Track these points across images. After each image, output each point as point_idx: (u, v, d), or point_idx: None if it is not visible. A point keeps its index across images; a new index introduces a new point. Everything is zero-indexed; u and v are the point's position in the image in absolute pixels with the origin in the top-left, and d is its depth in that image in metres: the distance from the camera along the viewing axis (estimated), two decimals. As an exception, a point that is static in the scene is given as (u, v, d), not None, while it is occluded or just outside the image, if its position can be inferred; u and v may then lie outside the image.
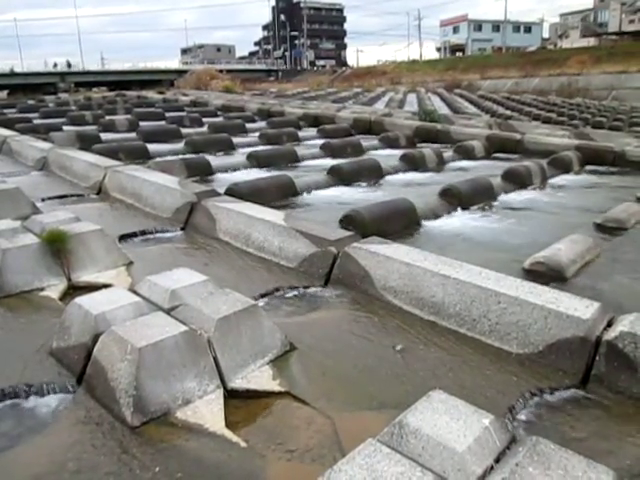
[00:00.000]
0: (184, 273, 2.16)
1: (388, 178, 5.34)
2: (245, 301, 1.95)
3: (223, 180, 4.97)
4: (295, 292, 2.48)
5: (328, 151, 6.56)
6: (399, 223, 3.50)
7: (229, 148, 6.94)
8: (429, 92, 27.24)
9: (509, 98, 21.80)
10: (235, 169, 5.52)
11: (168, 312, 1.91)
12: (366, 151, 7.02)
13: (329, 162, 5.84)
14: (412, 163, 5.82)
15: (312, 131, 8.74)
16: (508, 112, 15.86)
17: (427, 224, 3.68)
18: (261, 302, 2.34)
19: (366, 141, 7.73)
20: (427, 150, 6.23)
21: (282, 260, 2.79)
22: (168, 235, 3.27)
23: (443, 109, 17.17)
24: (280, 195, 4.31)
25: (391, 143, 7.48)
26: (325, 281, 2.58)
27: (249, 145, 7.11)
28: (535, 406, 1.71)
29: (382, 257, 2.44)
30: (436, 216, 3.83)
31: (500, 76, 35.02)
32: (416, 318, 2.23)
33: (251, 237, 3.00)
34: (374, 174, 5.26)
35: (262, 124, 9.44)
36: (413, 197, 3.88)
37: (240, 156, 6.21)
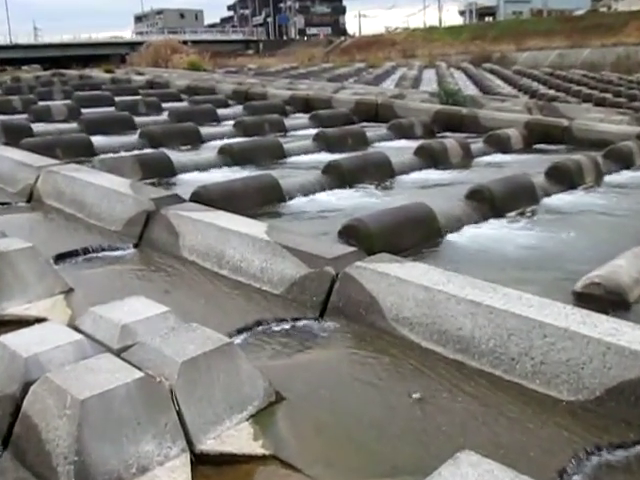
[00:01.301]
0: (139, 303, 2.16)
1: (400, 178, 5.40)
2: (217, 339, 1.95)
3: (188, 182, 5.01)
4: (282, 326, 2.48)
5: (323, 143, 6.64)
6: (415, 235, 3.53)
7: (196, 141, 7.01)
8: (451, 67, 27.62)
9: (552, 74, 22.13)
10: (204, 168, 5.58)
11: (118, 353, 1.90)
12: (371, 143, 7.10)
13: (324, 158, 5.90)
14: (431, 158, 5.89)
15: (302, 118, 8.83)
16: (552, 92, 16.10)
17: (451, 236, 3.72)
18: (238, 340, 2.34)
19: (371, 130, 7.81)
20: (450, 141, 6.31)
21: (265, 285, 2.80)
22: (118, 254, 3.28)
23: (469, 89, 17.39)
24: (261, 201, 4.34)
25: (404, 132, 7.57)
26: (320, 311, 2.59)
27: (221, 137, 7.18)
28: (592, 468, 1.71)
29: (394, 279, 2.45)
30: (462, 226, 3.87)
31: (541, 47, 35.58)
32: (438, 357, 2.24)
33: (225, 256, 3.01)
34: (382, 173, 5.31)
35: (238, 110, 9.52)
36: (432, 202, 3.92)
37: (210, 151, 6.26)
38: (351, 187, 4.91)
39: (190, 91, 11.68)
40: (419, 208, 3.73)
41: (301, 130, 8.01)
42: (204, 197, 3.98)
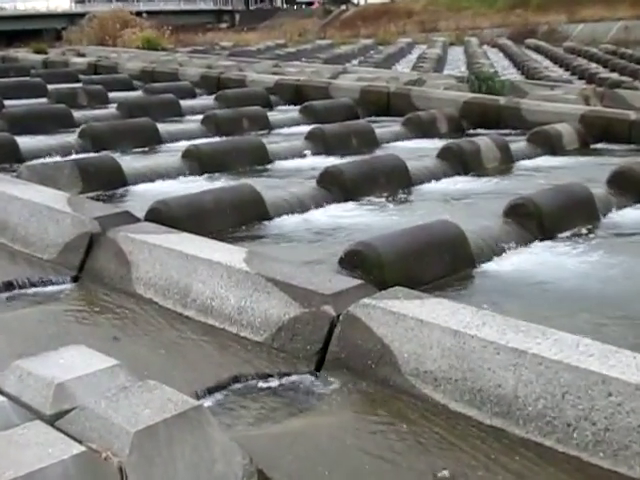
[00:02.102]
0: (79, 355, 2.16)
1: (419, 188, 5.45)
2: (182, 401, 1.95)
3: (144, 195, 5.05)
4: (267, 383, 2.48)
5: (319, 144, 6.71)
6: (439, 264, 3.55)
7: (153, 142, 7.08)
8: (485, 44, 27.95)
9: (615, 53, 22.40)
10: (163, 177, 5.63)
11: (52, 421, 1.90)
12: (382, 143, 7.17)
13: (320, 162, 5.94)
14: (459, 162, 5.95)
15: (292, 111, 8.90)
16: (614, 76, 16.25)
17: (486, 265, 3.74)
18: (209, 402, 2.34)
19: (382, 126, 7.87)
20: (483, 140, 6.38)
21: (244, 330, 2.80)
22: (52, 290, 3.28)
23: (508, 72, 17.61)
24: (239, 220, 4.36)
25: (423, 129, 7.64)
26: (317, 364, 2.59)
27: (186, 136, 7.23)
28: None
29: (412, 321, 2.46)
30: (501, 251, 3.90)
31: (600, 17, 36.03)
32: (471, 423, 2.24)
33: (191, 292, 3.01)
34: (396, 182, 5.36)
35: (208, 101, 9.61)
36: (462, 220, 3.94)
37: (172, 155, 6.30)
38: (355, 201, 4.96)
39: (145, 77, 11.79)
40: (444, 228, 3.75)
41: (290, 127, 8.07)
42: (164, 215, 4.00)
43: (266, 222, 4.45)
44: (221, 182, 5.42)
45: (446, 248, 3.63)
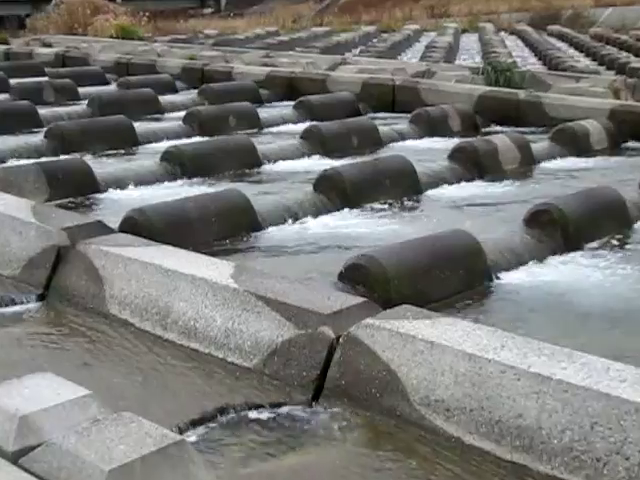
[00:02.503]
0: (45, 383, 2.16)
1: (429, 194, 5.46)
2: (161, 436, 1.95)
3: (118, 203, 5.07)
4: (257, 415, 2.48)
5: (315, 144, 6.74)
6: (452, 278, 3.56)
7: (129, 142, 7.10)
8: (502, 31, 28.02)
9: (649, 40, 22.42)
10: (140, 182, 5.64)
11: (15, 459, 1.89)
12: (386, 143, 7.21)
13: (317, 165, 5.96)
14: (473, 164, 5.97)
15: (285, 107, 8.94)
16: (649, 65, 16.27)
17: (505, 278, 3.75)
18: (192, 436, 2.33)
19: (386, 124, 7.87)
20: (501, 139, 6.40)
21: (231, 354, 2.80)
22: (14, 310, 3.28)
23: (529, 62, 17.65)
24: (226, 230, 4.37)
25: (433, 127, 7.66)
26: (314, 392, 2.59)
27: (166, 136, 7.28)
28: None
29: (422, 344, 2.46)
30: (521, 263, 3.91)
31: (630, 0, 36.18)
32: (488, 458, 2.23)
33: (172, 312, 3.02)
34: (402, 187, 5.37)
35: (190, 96, 9.64)
36: (477, 229, 3.95)
37: (150, 157, 6.32)
38: (357, 209, 4.97)
39: (120, 69, 11.84)
40: (458, 239, 3.77)
41: (283, 125, 8.10)
42: (141, 225, 4.01)
43: (257, 233, 4.46)
44: (205, 188, 5.43)
45: (459, 261, 3.64)
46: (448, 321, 2.61)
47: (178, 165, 5.87)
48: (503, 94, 8.35)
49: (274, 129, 7.94)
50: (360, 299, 2.88)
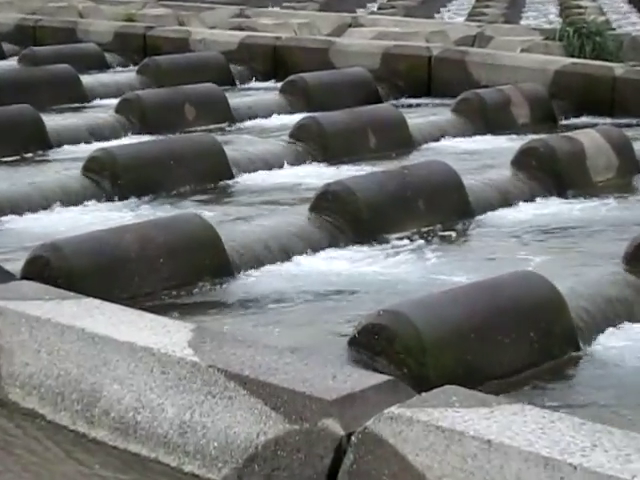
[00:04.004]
0: None
1: (485, 218, 5.50)
2: None
3: (20, 236, 5.08)
4: None
5: (313, 146, 6.79)
6: (519, 345, 3.56)
7: (35, 144, 7.13)
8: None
9: None
10: (54, 203, 5.65)
11: None
12: (419, 143, 7.27)
13: (315, 176, 6.05)
14: (549, 173, 6.00)
15: (268, 91, 9.06)
16: None
17: (598, 344, 3.75)
18: None
19: (419, 115, 7.96)
20: (590, 136, 6.42)
21: (190, 461, 2.79)
22: None
23: (629, 21, 17.67)
24: (181, 274, 4.40)
25: (489, 119, 7.73)
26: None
27: (92, 136, 7.33)
28: None
29: (475, 444, 2.45)
30: (619, 321, 3.91)
31: None
32: None
33: (101, 397, 3.00)
34: (444, 208, 5.41)
35: (127, 75, 9.72)
36: (554, 271, 3.96)
37: (67, 168, 6.38)
38: (375, 241, 5.01)
39: (23, 36, 11.91)
40: (527, 286, 3.77)
41: (265, 117, 8.17)
42: (55, 268, 4.02)
43: (227, 279, 4.48)
44: (150, 212, 5.45)
45: (530, 319, 3.64)
46: (513, 409, 2.60)
47: (108, 178, 5.88)
48: (591, 69, 8.39)
49: (252, 123, 7.99)
50: (382, 377, 2.87)
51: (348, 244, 4.94)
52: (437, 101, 8.40)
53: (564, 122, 7.76)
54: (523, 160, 6.05)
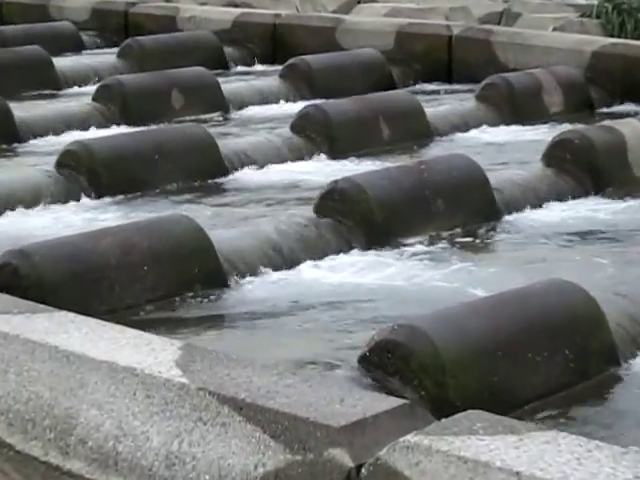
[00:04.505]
0: None
1: (513, 220, 5.50)
2: None
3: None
4: None
5: (318, 138, 6.80)
6: (552, 363, 3.55)
7: (2, 136, 7.12)
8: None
9: None
10: (19, 202, 5.65)
11: None
12: (438, 133, 7.28)
13: (321, 172, 6.08)
14: (585, 169, 5.99)
15: (266, 76, 9.06)
16: None
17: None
18: None
19: (438, 101, 7.99)
20: (632, 126, 6.42)
21: (178, 495, 2.79)
22: None
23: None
24: (169, 284, 4.40)
25: (518, 106, 7.73)
26: None
27: (66, 126, 7.35)
28: None
29: (503, 477, 2.45)
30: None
31: None
32: None
33: (76, 426, 3.00)
34: (468, 209, 5.43)
35: (106, 59, 9.72)
36: (591, 279, 3.96)
37: (38, 163, 6.41)
38: (390, 246, 5.01)
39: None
40: (560, 296, 3.77)
41: (263, 104, 8.20)
42: (24, 276, 4.03)
43: (218, 289, 4.49)
44: (133, 214, 5.46)
45: (565, 333, 3.64)
46: (545, 437, 2.60)
47: (85, 175, 5.91)
48: (633, 50, 8.37)
49: (248, 112, 8.01)
50: (396, 401, 2.87)
51: (357, 250, 4.93)
52: (459, 87, 8.39)
53: (603, 110, 7.75)
54: (556, 154, 6.04)
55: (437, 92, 8.39)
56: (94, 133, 6.95)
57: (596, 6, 10.28)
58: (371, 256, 4.88)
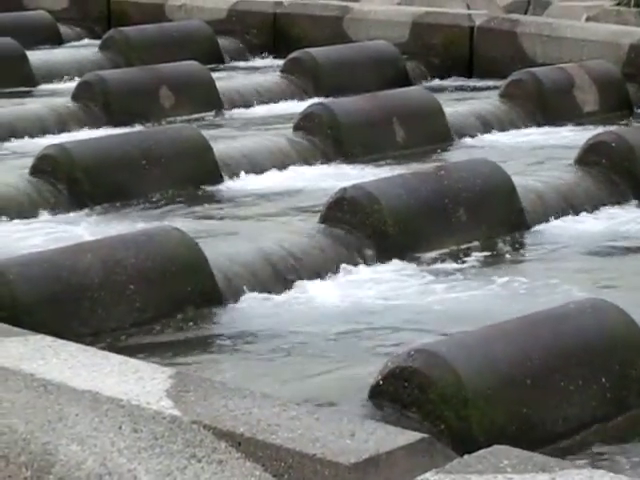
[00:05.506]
0: None
1: (543, 230, 5.52)
2: None
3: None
4: None
5: (325, 141, 6.82)
6: (588, 393, 3.53)
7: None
8: None
9: None
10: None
11: None
12: (459, 136, 7.33)
13: (328, 179, 6.11)
14: (623, 175, 5.99)
15: (266, 70, 9.18)
16: None
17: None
18: None
19: (458, 100, 8.04)
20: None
21: None
22: None
23: None
24: (155, 304, 4.40)
25: (548, 105, 7.77)
26: None
27: (42, 129, 7.40)
28: None
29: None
30: None
31: None
32: None
33: (55, 462, 2.97)
34: (493, 219, 5.43)
35: (87, 52, 9.82)
36: (632, 299, 3.96)
37: (11, 164, 6.53)
38: (406, 260, 5.02)
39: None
40: (597, 318, 3.76)
41: (262, 104, 8.27)
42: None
43: (213, 309, 4.49)
44: (117, 226, 5.47)
45: (601, 361, 3.62)
46: (581, 475, 2.59)
47: (64, 182, 5.92)
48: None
49: (245, 112, 8.02)
50: (413, 435, 2.87)
51: (369, 265, 4.93)
52: (481, 83, 8.41)
53: (641, 109, 7.77)
54: (590, 158, 6.05)
55: (457, 89, 8.38)
56: (74, 135, 6.94)
57: (633, -8, 10.29)
58: (384, 273, 4.87)
